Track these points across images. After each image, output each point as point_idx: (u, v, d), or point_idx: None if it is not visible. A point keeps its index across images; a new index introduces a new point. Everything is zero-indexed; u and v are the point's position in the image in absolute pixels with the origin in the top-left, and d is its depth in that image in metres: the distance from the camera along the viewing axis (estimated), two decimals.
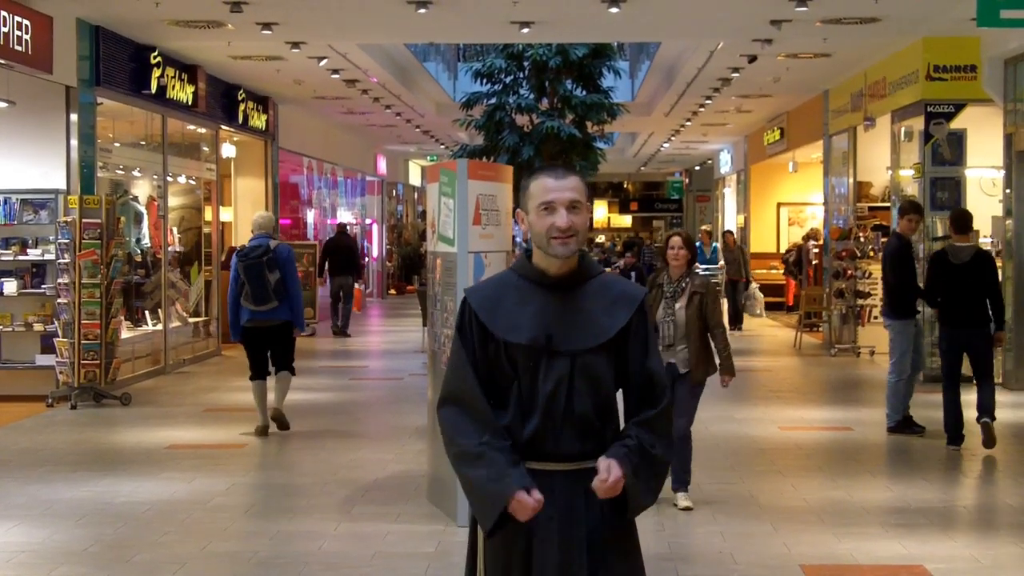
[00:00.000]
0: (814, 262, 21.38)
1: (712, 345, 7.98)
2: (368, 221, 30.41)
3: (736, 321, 20.48)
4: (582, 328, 3.49)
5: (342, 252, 21.13)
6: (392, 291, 31.88)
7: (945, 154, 14.39)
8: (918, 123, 14.66)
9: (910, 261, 10.98)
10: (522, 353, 3.48)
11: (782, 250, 25.51)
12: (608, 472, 3.41)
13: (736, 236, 24.59)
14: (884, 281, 11.24)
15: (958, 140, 14.39)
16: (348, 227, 23.27)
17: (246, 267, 10.48)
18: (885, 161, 16.52)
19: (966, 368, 10.27)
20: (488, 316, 3.52)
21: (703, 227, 26.30)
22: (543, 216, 3.47)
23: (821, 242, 20.90)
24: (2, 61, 11.07)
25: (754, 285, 21.55)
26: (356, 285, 21.65)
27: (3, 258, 12.99)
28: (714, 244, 21.86)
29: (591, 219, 3.60)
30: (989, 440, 9.78)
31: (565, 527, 3.48)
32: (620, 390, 3.64)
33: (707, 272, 19.55)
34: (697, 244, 19.59)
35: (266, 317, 10.56)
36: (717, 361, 8.01)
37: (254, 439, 10.65)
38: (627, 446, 3.50)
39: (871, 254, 17.34)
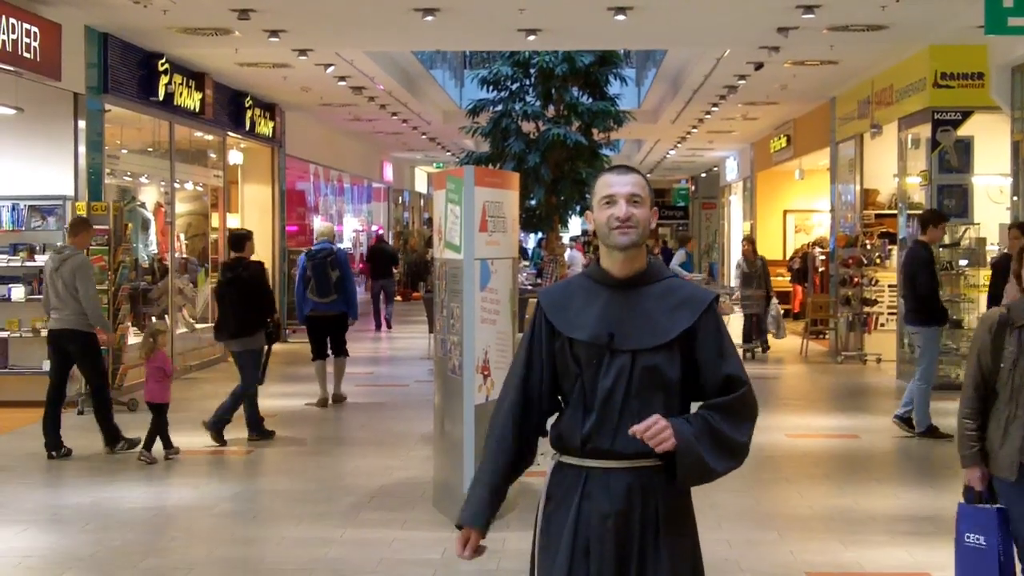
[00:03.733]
0: (820, 269, 21.35)
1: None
2: (375, 228, 30.45)
3: (762, 343, 18.36)
4: (643, 328, 3.53)
5: (383, 257, 23.71)
6: (398, 298, 31.88)
7: (952, 161, 14.37)
8: (925, 130, 14.64)
9: (934, 269, 11.19)
10: (584, 350, 3.54)
11: (788, 258, 25.47)
12: (655, 420, 3.39)
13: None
14: (910, 289, 11.12)
15: (965, 147, 14.38)
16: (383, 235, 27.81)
17: (314, 265, 12.72)
18: (892, 168, 16.51)
19: None
20: (555, 314, 3.62)
21: (747, 235, 22.19)
22: (605, 209, 3.56)
23: (827, 249, 20.85)
24: (11, 68, 11.11)
25: (774, 302, 18.88)
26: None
27: (11, 264, 13.02)
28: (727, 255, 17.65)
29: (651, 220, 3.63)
30: None
31: (621, 526, 3.50)
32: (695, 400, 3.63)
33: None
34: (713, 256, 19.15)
35: (326, 308, 12.80)
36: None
37: (261, 446, 10.72)
38: (686, 418, 3.49)
39: (877, 261, 17.33)
